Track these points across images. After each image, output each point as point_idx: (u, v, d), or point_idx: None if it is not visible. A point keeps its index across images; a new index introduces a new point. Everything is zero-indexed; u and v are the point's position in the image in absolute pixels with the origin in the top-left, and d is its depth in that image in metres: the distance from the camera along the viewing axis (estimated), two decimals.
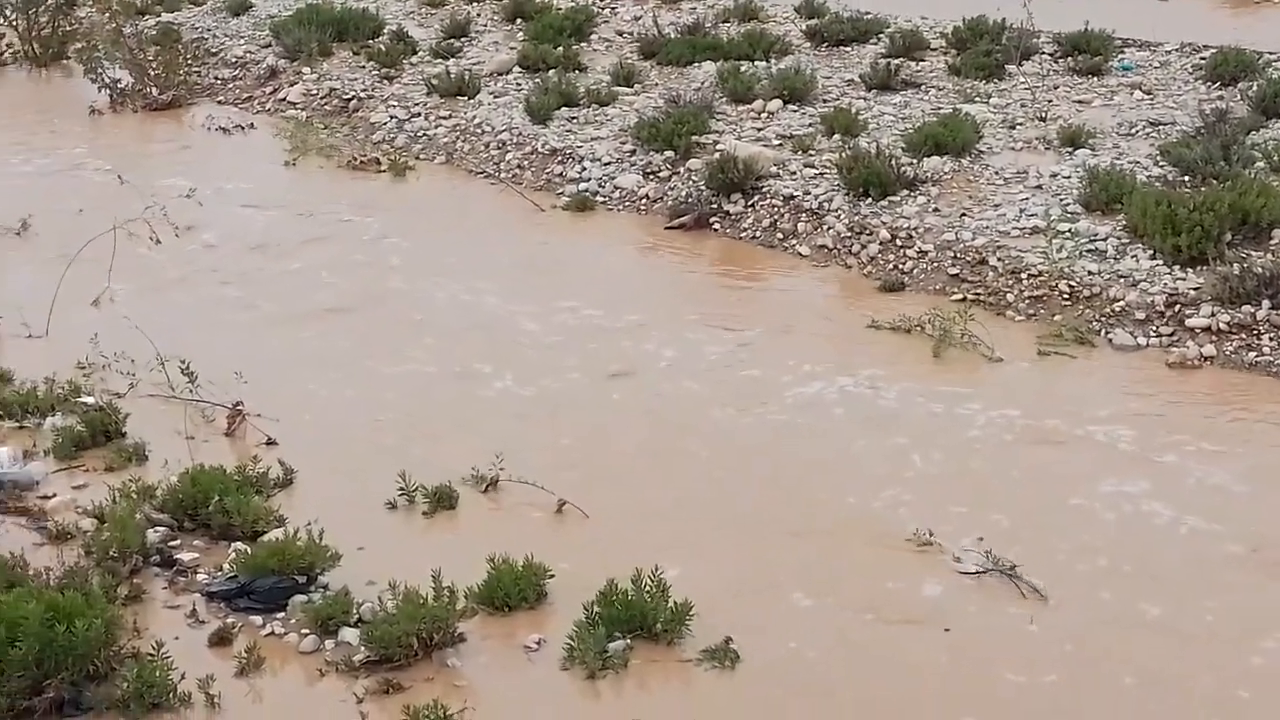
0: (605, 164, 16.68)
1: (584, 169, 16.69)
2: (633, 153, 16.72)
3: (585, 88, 18.94)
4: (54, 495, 9.81)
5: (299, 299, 13.52)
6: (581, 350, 12.17)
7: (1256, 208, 12.78)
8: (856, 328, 12.45)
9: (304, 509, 9.34)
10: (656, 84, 19.37)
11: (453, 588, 8.09)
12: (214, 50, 23.98)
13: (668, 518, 9.43)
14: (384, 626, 7.91)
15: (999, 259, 13.10)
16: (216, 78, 22.83)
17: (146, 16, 26.11)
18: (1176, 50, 19.65)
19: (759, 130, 16.88)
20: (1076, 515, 9.39)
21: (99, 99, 21.68)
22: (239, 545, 8.97)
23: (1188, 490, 9.69)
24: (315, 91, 21.02)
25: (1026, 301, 12.65)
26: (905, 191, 14.54)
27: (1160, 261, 12.61)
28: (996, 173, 15.03)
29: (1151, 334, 11.98)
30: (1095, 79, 18.60)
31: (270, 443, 10.53)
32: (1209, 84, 18.04)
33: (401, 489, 9.59)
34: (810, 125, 16.92)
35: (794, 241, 14.51)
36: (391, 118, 19.42)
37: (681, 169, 16.10)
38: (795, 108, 17.71)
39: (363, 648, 7.94)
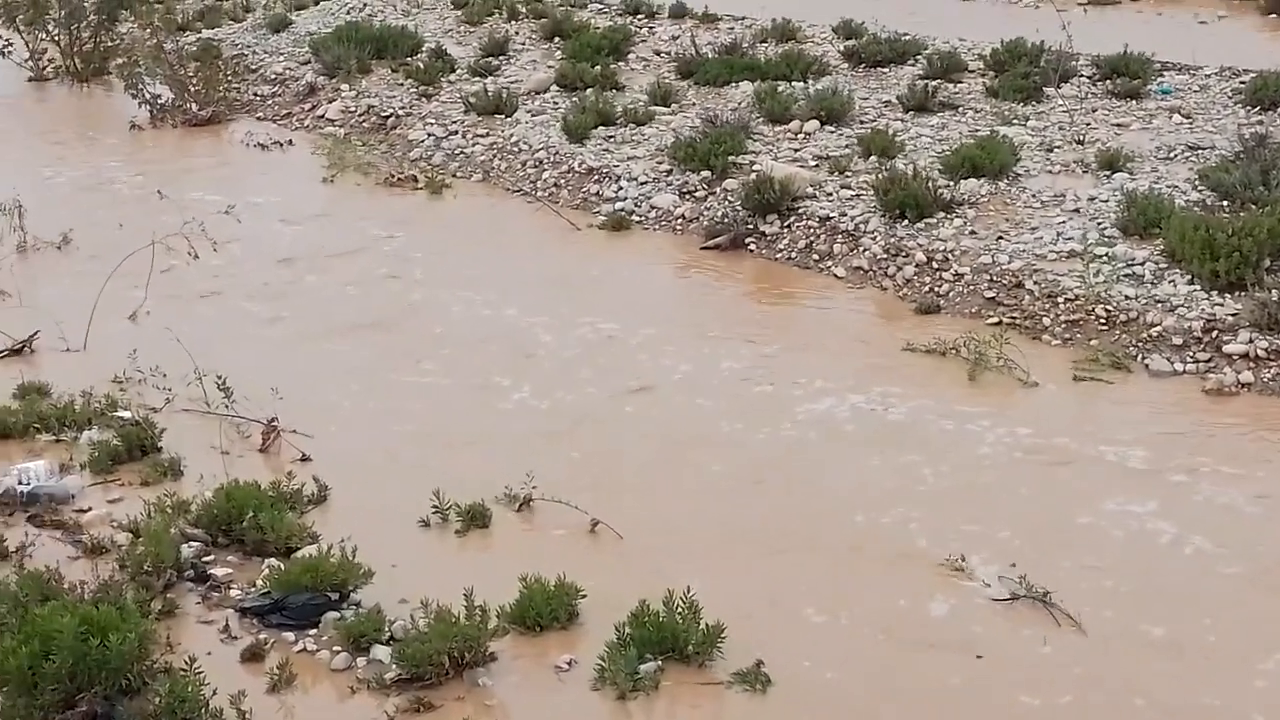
0: (642, 183, 16.70)
1: (620, 188, 16.72)
2: (669, 172, 16.73)
3: (623, 107, 18.97)
4: (90, 509, 9.86)
5: (335, 315, 13.57)
6: (623, 368, 12.18)
7: None
8: (892, 350, 12.41)
9: (337, 526, 9.36)
10: (694, 104, 19.38)
11: (485, 607, 8.08)
12: (253, 67, 24.12)
13: (702, 539, 9.41)
14: (416, 645, 7.92)
15: (1035, 282, 13.06)
16: (256, 94, 22.97)
17: (187, 33, 26.31)
18: (1216, 74, 19.55)
19: (796, 151, 16.87)
20: (1112, 542, 9.35)
21: (139, 114, 21.83)
22: (272, 561, 9.00)
23: (1225, 526, 9.62)
24: (354, 109, 21.12)
25: (1063, 325, 12.60)
26: (942, 214, 14.51)
27: (1198, 287, 12.54)
28: (1034, 195, 14.98)
29: (1189, 360, 11.92)
30: (1134, 102, 18.53)
31: (305, 459, 10.56)
32: (1249, 108, 17.93)
33: (435, 507, 9.60)
34: (847, 146, 16.90)
35: (829, 263, 14.50)
36: (429, 135, 19.49)
37: (718, 189, 16.11)
38: (832, 129, 17.70)
39: (394, 666, 7.94)
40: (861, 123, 17.91)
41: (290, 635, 8.35)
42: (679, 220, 15.95)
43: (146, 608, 8.27)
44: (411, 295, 14.06)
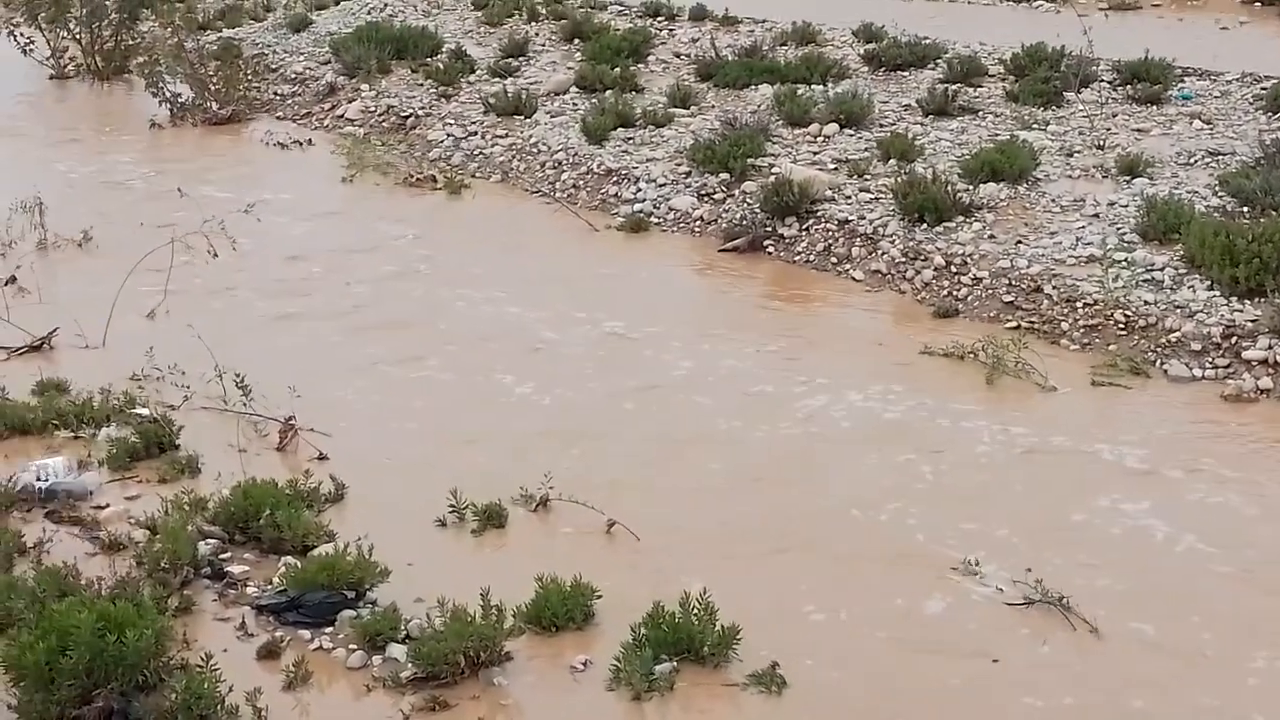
0: (660, 185, 16.71)
1: (639, 190, 16.73)
2: (688, 174, 16.74)
3: (642, 109, 18.98)
4: (107, 505, 9.87)
5: (352, 314, 13.60)
6: (638, 367, 12.20)
7: None
8: (910, 353, 12.40)
9: (354, 524, 9.37)
10: (713, 106, 19.40)
11: (500, 606, 8.08)
12: (274, 66, 24.21)
13: (714, 539, 9.41)
14: (431, 643, 7.92)
15: (1054, 287, 13.04)
16: (276, 93, 23.04)
17: (208, 32, 26.44)
18: (1237, 80, 19.52)
19: (815, 154, 16.86)
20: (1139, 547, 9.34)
21: (159, 113, 21.91)
22: (289, 559, 9.00)
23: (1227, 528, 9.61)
24: (373, 109, 21.17)
25: (1081, 331, 12.58)
26: (961, 218, 14.49)
27: (1218, 293, 12.51)
28: (1053, 200, 14.95)
29: (1207, 366, 11.89)
30: (1154, 107, 18.50)
31: (322, 457, 10.57)
32: (1269, 114, 17.90)
33: (452, 506, 9.61)
34: (866, 150, 16.89)
35: (848, 266, 14.49)
36: (448, 136, 19.53)
37: (736, 191, 16.11)
38: (852, 132, 17.70)
39: (410, 664, 7.94)
40: (881, 126, 17.92)
41: (306, 633, 8.35)
42: (697, 222, 15.96)
43: (163, 604, 8.28)
44: (428, 295, 14.07)
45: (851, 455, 10.63)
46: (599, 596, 8.49)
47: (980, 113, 18.48)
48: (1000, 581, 8.76)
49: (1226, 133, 17.27)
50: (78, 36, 25.67)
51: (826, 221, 15.03)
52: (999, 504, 9.84)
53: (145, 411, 11.12)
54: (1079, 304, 12.76)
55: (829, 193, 15.45)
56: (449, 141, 19.40)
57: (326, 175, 18.63)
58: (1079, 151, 16.60)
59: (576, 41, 23.66)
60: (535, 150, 18.37)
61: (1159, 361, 12.02)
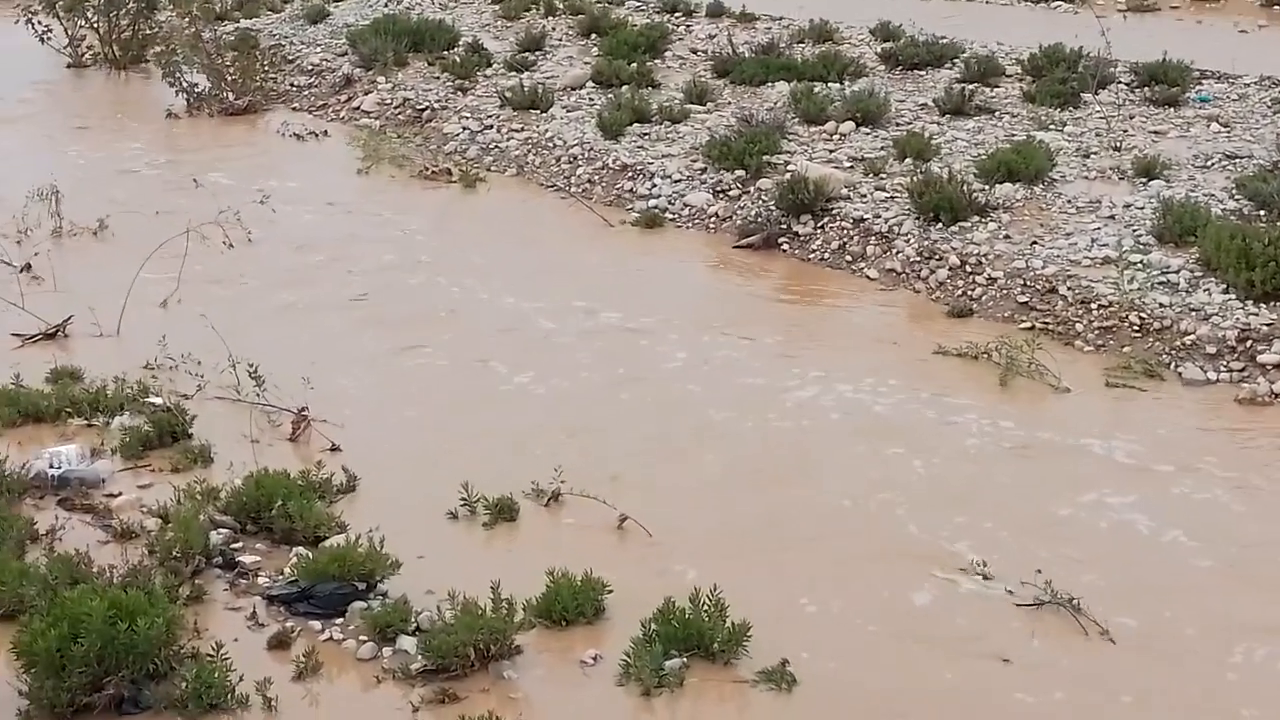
0: (676, 181, 16.70)
1: (654, 186, 16.72)
2: (703, 171, 16.72)
3: (658, 104, 18.97)
4: (120, 494, 9.89)
5: (365, 306, 13.61)
6: (651, 363, 12.20)
7: None
8: (924, 352, 12.39)
9: (366, 516, 9.38)
10: (729, 103, 19.38)
11: (511, 600, 8.09)
12: (291, 57, 24.22)
13: (732, 536, 9.41)
14: (442, 636, 7.92)
15: (1069, 288, 13.01)
16: (292, 85, 23.06)
17: (225, 22, 26.44)
18: (1255, 83, 19.48)
19: (830, 152, 16.85)
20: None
21: (176, 103, 21.93)
22: (300, 550, 9.00)
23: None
24: (389, 101, 21.17)
25: (1096, 332, 12.55)
26: (976, 217, 14.46)
27: (1233, 296, 12.47)
28: (1069, 201, 14.93)
29: (1222, 369, 11.86)
30: (1172, 110, 18.46)
31: (334, 449, 10.58)
32: None
33: (463, 499, 9.61)
34: (882, 148, 16.87)
35: (862, 264, 14.48)
36: (464, 129, 19.53)
37: (752, 188, 16.09)
38: (868, 130, 17.68)
39: (420, 656, 7.95)
40: (897, 125, 17.90)
41: (317, 624, 8.36)
42: (712, 219, 15.95)
43: (175, 593, 8.30)
44: (441, 288, 14.07)
45: (862, 451, 10.63)
46: (610, 591, 8.49)
47: (997, 113, 18.46)
48: (1010, 583, 8.74)
49: (1244, 136, 17.22)
50: (95, 25, 25.70)
51: (841, 220, 15.02)
52: (1012, 501, 9.84)
53: (158, 400, 11.14)
54: (1094, 305, 12.74)
55: (844, 191, 15.43)
56: (465, 135, 19.40)
57: (342, 167, 18.64)
58: (1096, 153, 16.57)
59: (593, 36, 23.66)
60: (551, 145, 18.36)
61: (1173, 364, 11.99)
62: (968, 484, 10.14)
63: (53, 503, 9.75)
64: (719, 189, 16.31)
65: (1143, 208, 14.51)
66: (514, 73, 21.46)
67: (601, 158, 17.60)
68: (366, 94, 21.68)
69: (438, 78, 21.68)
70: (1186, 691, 7.93)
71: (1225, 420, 11.21)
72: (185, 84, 22.03)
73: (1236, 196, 14.70)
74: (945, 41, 21.70)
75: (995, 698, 7.84)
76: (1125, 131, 17.46)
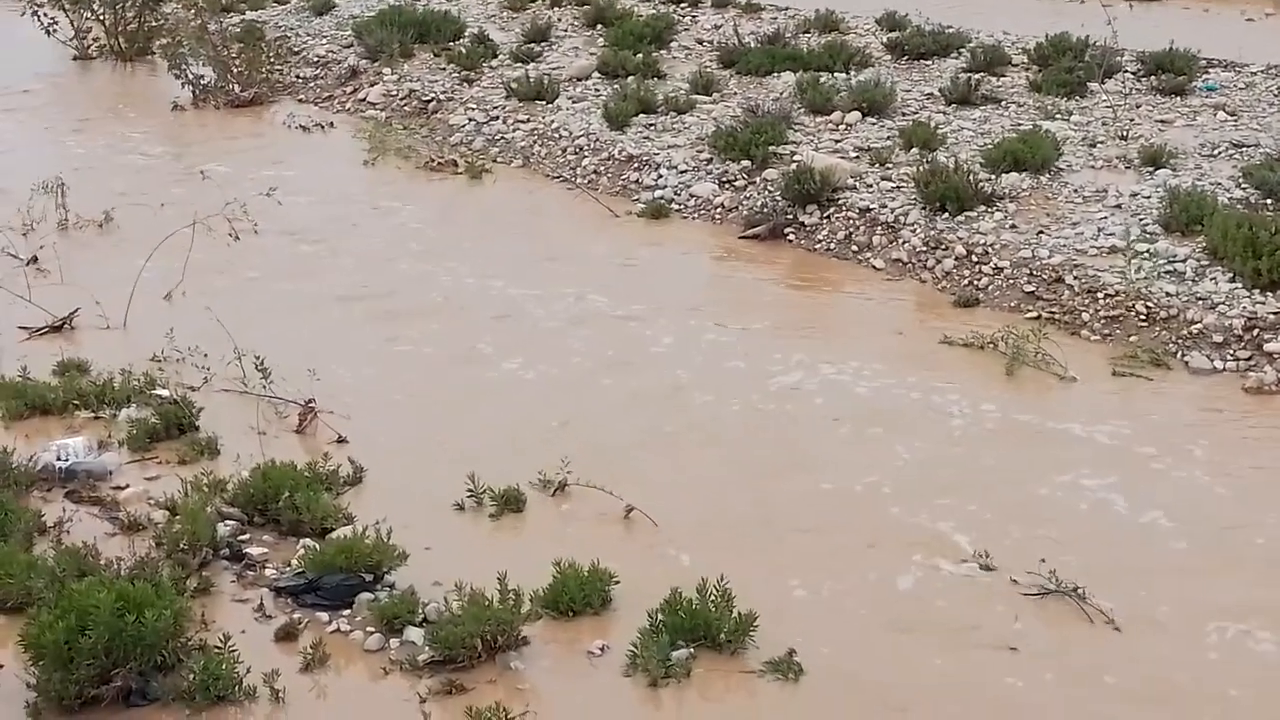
0: (681, 172, 16.69)
1: (660, 176, 16.71)
2: (709, 161, 16.71)
3: (664, 95, 18.96)
4: (127, 486, 9.90)
5: (372, 298, 13.60)
6: (659, 358, 12.21)
7: None
8: (930, 342, 12.38)
9: (373, 507, 9.38)
10: (735, 93, 19.37)
11: (518, 591, 8.09)
12: (296, 49, 24.20)
13: (736, 525, 9.42)
14: (449, 627, 7.93)
15: (1075, 278, 13.00)
16: (298, 76, 23.04)
17: (231, 14, 26.42)
18: (1262, 72, 19.46)
19: (837, 142, 16.83)
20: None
21: (182, 95, 21.92)
22: (308, 542, 9.01)
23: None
24: (395, 92, 21.16)
25: (1102, 321, 12.54)
26: (982, 207, 14.45)
27: (1240, 285, 12.46)
28: (1075, 190, 14.91)
29: (1229, 358, 11.85)
30: (1178, 99, 18.44)
31: (341, 440, 10.59)
32: None
33: (470, 490, 9.62)
34: (888, 138, 16.85)
35: (868, 254, 14.47)
36: (470, 120, 19.51)
37: (758, 179, 16.08)
38: (874, 120, 17.66)
39: (427, 648, 7.96)
40: (903, 115, 17.88)
41: (324, 615, 8.37)
42: (718, 209, 15.94)
43: (182, 585, 8.31)
44: (446, 279, 14.06)
45: (870, 440, 10.65)
46: (617, 582, 8.50)
47: (1003, 102, 18.44)
48: (1014, 571, 8.76)
49: (1251, 125, 17.20)
50: (101, 17, 25.68)
51: (848, 210, 15.00)
52: (1022, 489, 9.85)
53: (165, 393, 11.14)
54: (1100, 295, 12.73)
55: (850, 181, 15.42)
56: (470, 126, 19.39)
57: (348, 159, 18.64)
58: (1102, 142, 16.55)
59: (599, 27, 23.64)
60: (557, 135, 18.35)
61: (1180, 353, 11.99)
62: (963, 471, 10.16)
63: (60, 495, 9.76)
64: (725, 179, 16.30)
65: (1149, 197, 14.49)
66: (520, 64, 21.44)
67: (607, 148, 17.59)
68: (372, 85, 21.67)
69: (443, 69, 21.66)
70: (1175, 676, 7.97)
71: (1230, 408, 11.20)
72: (191, 76, 22.02)
73: (1243, 185, 14.69)
74: (951, 31, 21.67)
75: (999, 688, 7.86)
76: (1132, 120, 17.43)
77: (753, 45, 21.39)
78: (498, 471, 9.78)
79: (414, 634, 8.11)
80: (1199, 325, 12.11)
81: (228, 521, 9.26)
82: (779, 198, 15.44)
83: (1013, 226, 14.11)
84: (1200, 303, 12.35)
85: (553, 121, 18.71)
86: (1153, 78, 19.17)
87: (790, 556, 9.05)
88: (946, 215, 14.37)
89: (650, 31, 22.33)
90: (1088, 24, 20.31)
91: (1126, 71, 19.49)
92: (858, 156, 16.29)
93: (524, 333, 12.74)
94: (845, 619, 8.45)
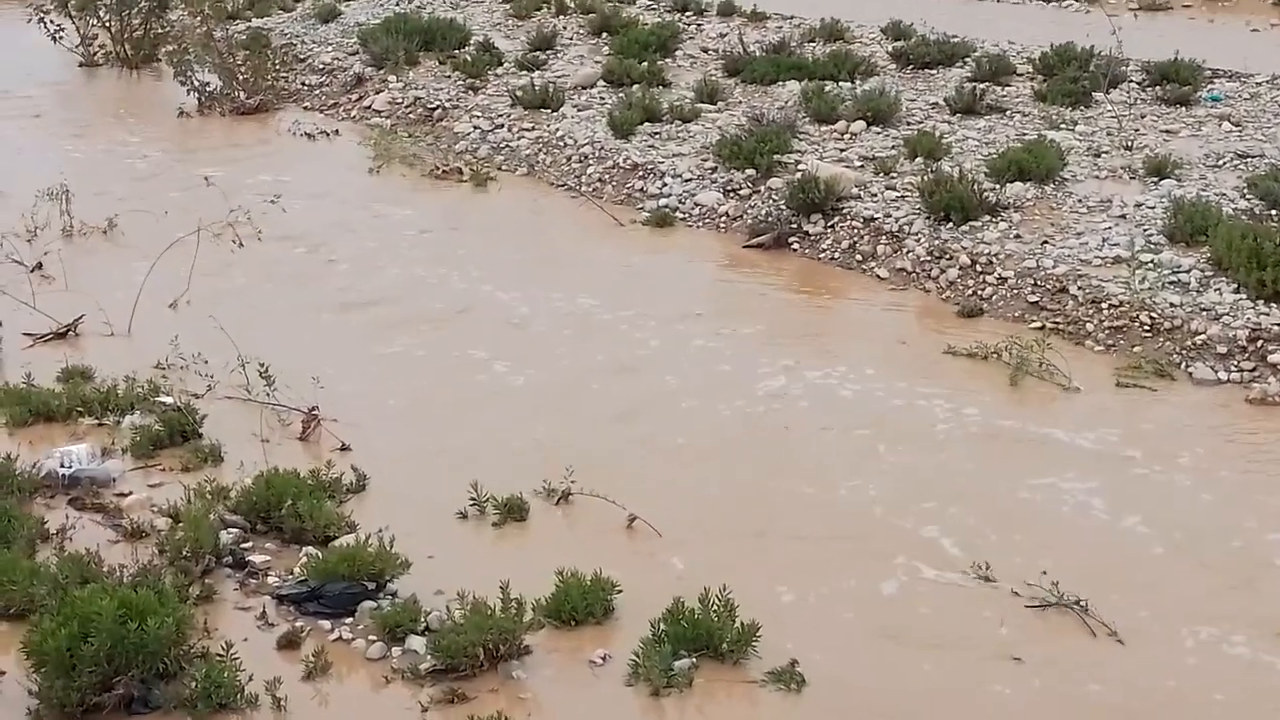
0: (686, 180, 16.69)
1: (665, 185, 16.72)
2: (714, 170, 16.71)
3: (669, 104, 18.96)
4: (130, 493, 9.91)
5: (377, 306, 13.61)
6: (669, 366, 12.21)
7: None
8: (934, 352, 12.38)
9: (375, 515, 9.38)
10: (740, 102, 19.37)
11: (520, 600, 8.09)
12: (302, 56, 24.23)
13: (743, 537, 9.41)
14: (451, 636, 7.93)
15: (1080, 288, 12.99)
16: (303, 84, 23.06)
17: (236, 21, 26.45)
18: (1268, 82, 19.43)
19: (841, 151, 16.84)
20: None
21: (187, 101, 21.94)
22: (310, 550, 9.01)
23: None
24: (400, 100, 21.18)
25: (1106, 332, 12.54)
26: (987, 217, 14.45)
27: (1244, 295, 12.45)
28: (1080, 201, 14.90)
29: (1233, 369, 11.84)
30: (1183, 109, 18.42)
31: (344, 448, 10.59)
32: None
33: (473, 499, 9.62)
34: (893, 147, 16.85)
35: (873, 264, 14.46)
36: (475, 128, 19.53)
37: (762, 188, 16.08)
38: (878, 129, 17.66)
39: (429, 656, 7.96)
40: (908, 124, 17.87)
41: (326, 624, 8.38)
42: (723, 218, 15.94)
43: (185, 593, 8.31)
44: (450, 286, 14.08)
45: (873, 450, 10.66)
46: (619, 591, 8.49)
47: (1008, 112, 18.43)
48: (1015, 583, 8.76)
49: (1256, 135, 17.18)
50: (107, 24, 25.73)
51: (852, 219, 15.01)
52: (1036, 507, 9.85)
53: (169, 400, 11.16)
54: (1104, 305, 12.72)
55: (855, 190, 15.42)
56: (476, 134, 19.41)
57: (353, 166, 18.65)
58: (1107, 152, 16.54)
59: (604, 35, 23.64)
60: (562, 144, 18.36)
61: (1184, 364, 11.98)
62: (968, 480, 10.18)
63: (63, 502, 9.78)
64: (730, 188, 16.31)
65: (1154, 207, 14.48)
66: (525, 72, 21.46)
67: (612, 157, 17.60)
68: (377, 93, 21.69)
69: (449, 77, 21.68)
70: (1164, 683, 8.01)
71: (1233, 420, 11.19)
72: (197, 83, 22.05)
73: (1248, 196, 14.67)
74: (956, 40, 21.65)
75: (1005, 697, 7.87)
76: (1136, 131, 17.41)
77: (758, 54, 21.39)
78: (501, 479, 9.78)
79: (416, 642, 8.11)
80: (1203, 336, 12.11)
81: (230, 529, 9.27)
82: (783, 207, 15.45)
83: (1017, 236, 14.10)
84: (1204, 313, 12.34)
85: (558, 130, 18.73)
86: (1157, 88, 19.16)
87: (788, 564, 9.05)
88: (951, 225, 14.36)
89: (655, 40, 22.33)
90: (1092, 34, 20.31)
91: (1131, 81, 19.47)
92: (862, 166, 16.29)
93: (527, 341, 12.75)
94: (842, 627, 8.45)
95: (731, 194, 16.22)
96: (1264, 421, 11.13)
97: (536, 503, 9.72)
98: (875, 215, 14.89)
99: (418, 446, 10.76)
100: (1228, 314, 12.26)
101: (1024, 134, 17.16)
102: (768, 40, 22.45)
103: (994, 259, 13.73)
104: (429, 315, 13.37)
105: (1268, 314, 12.16)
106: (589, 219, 16.35)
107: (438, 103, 20.70)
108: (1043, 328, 12.75)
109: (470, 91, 20.87)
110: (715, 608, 8.11)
